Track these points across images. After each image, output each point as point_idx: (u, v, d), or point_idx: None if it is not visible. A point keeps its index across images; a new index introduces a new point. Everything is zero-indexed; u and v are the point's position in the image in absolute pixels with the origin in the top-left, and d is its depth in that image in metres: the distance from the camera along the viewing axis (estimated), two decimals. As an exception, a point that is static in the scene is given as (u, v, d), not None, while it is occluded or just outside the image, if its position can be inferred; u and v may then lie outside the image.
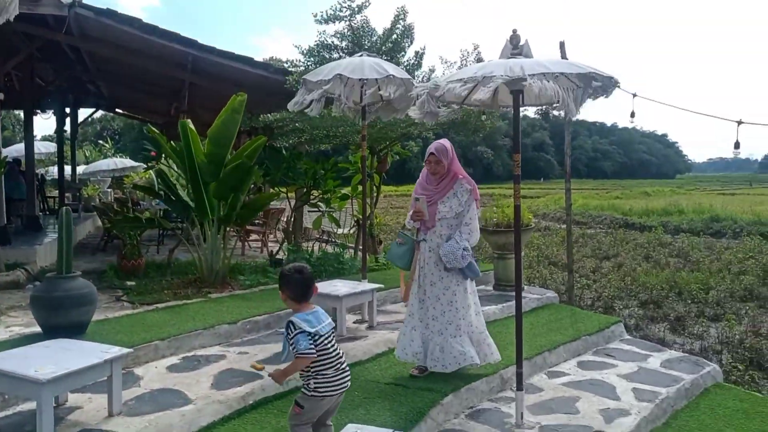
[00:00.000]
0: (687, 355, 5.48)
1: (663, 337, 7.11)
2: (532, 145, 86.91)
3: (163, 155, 7.20)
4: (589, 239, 16.63)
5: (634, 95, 5.30)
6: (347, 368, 2.84)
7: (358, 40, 8.43)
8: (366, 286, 5.31)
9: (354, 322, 5.43)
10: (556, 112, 4.31)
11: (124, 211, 7.49)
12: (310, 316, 2.75)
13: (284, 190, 8.42)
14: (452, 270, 4.11)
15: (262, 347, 4.68)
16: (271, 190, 8.49)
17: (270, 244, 9.65)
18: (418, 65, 8.53)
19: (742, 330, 7.11)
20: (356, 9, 8.50)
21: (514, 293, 6.38)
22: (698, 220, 19.97)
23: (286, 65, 9.07)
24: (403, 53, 8.50)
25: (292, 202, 8.79)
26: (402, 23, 8.47)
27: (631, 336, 6.22)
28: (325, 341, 2.72)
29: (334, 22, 8.64)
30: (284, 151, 8.29)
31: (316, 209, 9.06)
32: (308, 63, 8.57)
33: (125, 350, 3.44)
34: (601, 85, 3.48)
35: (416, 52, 8.69)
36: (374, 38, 8.54)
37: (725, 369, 5.70)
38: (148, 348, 4.34)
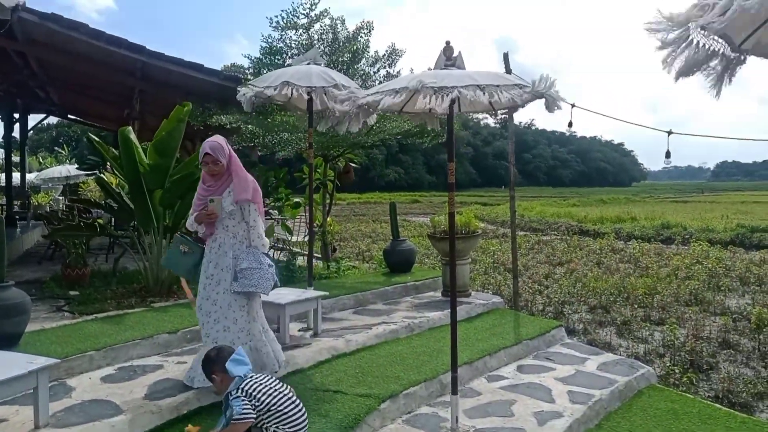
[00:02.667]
0: (623, 358, 5.64)
1: (609, 341, 7.30)
2: (493, 154, 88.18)
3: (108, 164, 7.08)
4: (545, 245, 16.95)
5: (573, 105, 5.45)
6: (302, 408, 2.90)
7: (310, 48, 8.47)
8: (311, 293, 5.32)
9: (299, 330, 5.43)
10: (477, 116, 4.30)
11: (68, 218, 7.31)
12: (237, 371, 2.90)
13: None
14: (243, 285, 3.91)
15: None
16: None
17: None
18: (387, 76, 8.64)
19: (685, 333, 7.35)
20: (314, 18, 8.58)
21: (461, 299, 6.54)
22: (650, 227, 20.55)
23: (247, 71, 9.07)
24: (366, 64, 8.62)
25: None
26: (365, 37, 8.60)
27: (575, 340, 6.37)
28: (269, 390, 2.81)
29: (292, 30, 8.69)
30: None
31: (268, 217, 9.01)
32: (261, 69, 8.59)
33: (52, 360, 3.37)
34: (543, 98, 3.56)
35: (389, 73, 8.83)
36: (330, 48, 8.62)
37: (664, 372, 5.88)
38: (82, 358, 4.25)
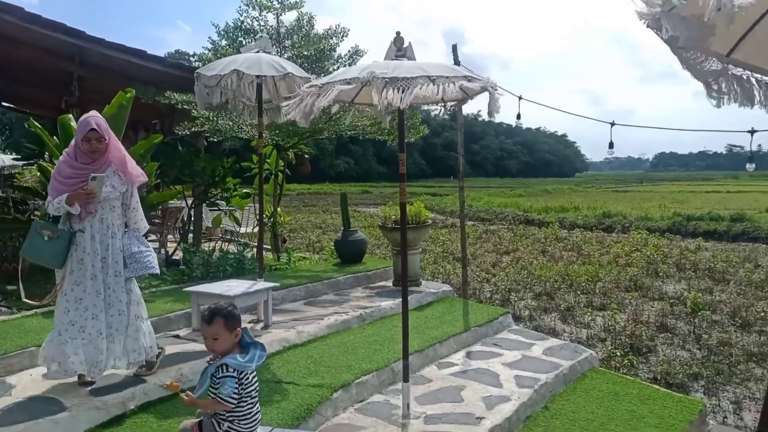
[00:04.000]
0: (568, 342, 5.83)
1: (554, 326, 7.53)
2: (442, 144, 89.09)
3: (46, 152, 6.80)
4: (492, 235, 17.29)
5: (520, 98, 5.58)
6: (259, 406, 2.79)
7: (280, 37, 8.39)
8: (261, 285, 5.27)
9: (249, 322, 5.38)
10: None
11: (3, 211, 6.98)
12: (248, 359, 2.69)
13: (180, 188, 8.18)
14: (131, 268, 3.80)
15: (150, 350, 4.54)
16: (171, 188, 8.21)
17: (169, 244, 9.34)
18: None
19: (625, 318, 7.66)
20: (288, 6, 8.49)
21: (413, 288, 6.62)
22: (592, 216, 21.24)
23: (192, 59, 8.90)
24: (335, 66, 8.59)
25: (190, 201, 8.57)
26: (336, 41, 8.58)
27: (520, 326, 6.54)
28: (250, 387, 2.69)
29: (262, 11, 8.57)
30: (180, 148, 8.07)
31: (216, 208, 8.86)
32: (219, 46, 8.45)
33: (-11, 358, 3.24)
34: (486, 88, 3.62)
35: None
36: (298, 40, 8.56)
37: (606, 355, 6.12)
38: (22, 355, 4.09)
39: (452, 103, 4.20)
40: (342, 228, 8.42)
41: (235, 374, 2.60)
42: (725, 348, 6.54)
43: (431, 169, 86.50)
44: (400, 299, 6.19)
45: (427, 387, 4.40)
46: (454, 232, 18.09)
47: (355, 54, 9.04)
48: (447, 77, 3.47)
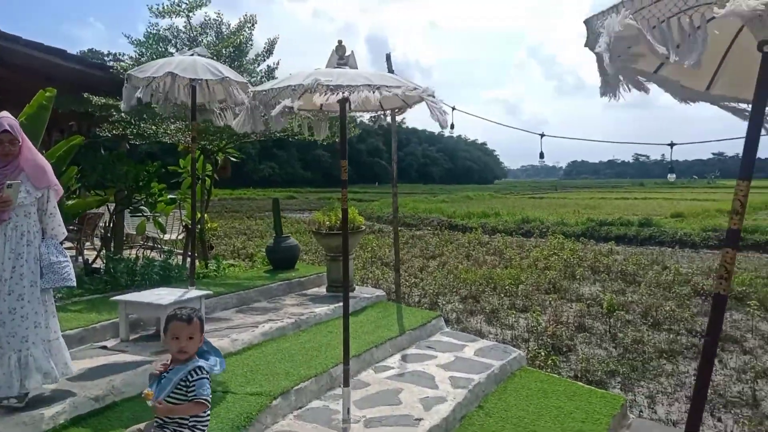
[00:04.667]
0: (497, 343, 6.05)
1: (480, 328, 7.78)
2: (368, 151, 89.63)
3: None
4: (418, 240, 17.60)
5: (453, 108, 5.76)
6: None
7: (194, 38, 8.17)
8: (194, 293, 5.14)
9: (165, 327, 5.22)
10: (367, 116, 4.48)
11: None
12: (212, 364, 2.66)
13: (102, 193, 7.83)
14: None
15: (76, 363, 4.30)
16: (90, 194, 7.84)
17: (86, 252, 8.89)
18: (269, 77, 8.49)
19: (546, 319, 8.02)
20: (193, 5, 8.26)
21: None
22: (512, 222, 22.02)
23: (107, 58, 8.54)
24: (250, 61, 8.43)
25: (112, 206, 8.21)
26: (248, 31, 8.39)
27: (450, 329, 6.72)
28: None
29: (171, 17, 8.31)
30: (102, 151, 7.73)
31: (139, 214, 8.54)
32: (140, 55, 8.13)
33: None
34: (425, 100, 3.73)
35: (269, 66, 8.67)
36: (212, 38, 8.36)
37: (531, 355, 6.39)
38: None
39: (390, 111, 4.29)
40: (274, 234, 8.33)
41: (208, 376, 2.58)
42: (639, 346, 6.98)
43: (356, 174, 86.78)
44: (335, 305, 6.27)
45: (365, 391, 4.45)
46: (382, 237, 18.29)
47: (272, 45, 8.91)
48: (389, 86, 3.56)
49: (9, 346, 3.44)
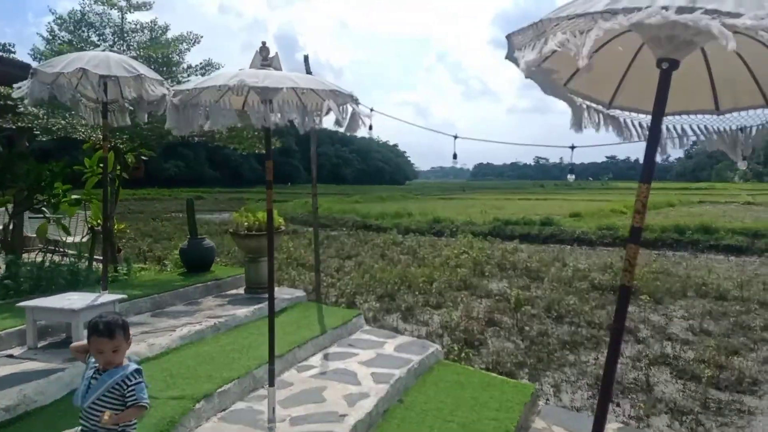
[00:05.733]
0: (416, 339, 6.25)
1: (396, 325, 7.98)
2: (279, 150, 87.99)
3: None
4: (333, 240, 17.67)
5: (371, 110, 5.88)
6: None
7: (123, 34, 7.88)
8: (107, 297, 4.96)
9: (87, 339, 5.02)
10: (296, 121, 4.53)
11: None
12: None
13: (8, 196, 7.34)
14: None
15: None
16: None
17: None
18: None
19: (459, 315, 8.34)
20: (135, 5, 8.00)
21: (265, 296, 6.61)
22: (424, 222, 22.55)
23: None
24: (185, 75, 8.25)
25: (10, 207, 7.68)
26: (186, 47, 8.28)
27: (370, 326, 6.85)
28: None
29: (107, 5, 7.97)
30: (2, 149, 7.24)
31: (40, 215, 8.04)
32: (58, 37, 7.76)
33: None
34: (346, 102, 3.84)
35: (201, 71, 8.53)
36: (145, 41, 8.12)
37: (446, 350, 6.65)
38: None
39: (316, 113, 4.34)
40: (186, 236, 8.12)
41: (143, 380, 2.54)
42: (544, 338, 7.43)
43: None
44: (254, 307, 6.24)
45: (289, 390, 4.48)
46: (297, 238, 18.18)
47: (208, 66, 8.82)
48: (314, 90, 3.64)
49: None
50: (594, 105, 2.72)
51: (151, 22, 8.35)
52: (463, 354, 6.53)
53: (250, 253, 6.95)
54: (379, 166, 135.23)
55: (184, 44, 8.28)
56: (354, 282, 10.63)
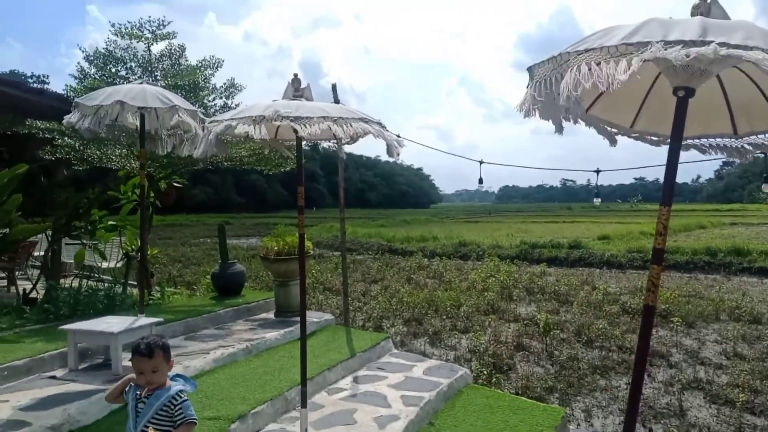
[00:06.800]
0: (444, 362, 6.28)
1: (424, 350, 7.99)
2: (304, 175, 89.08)
3: None
4: (359, 264, 17.76)
5: (398, 136, 6.00)
6: None
7: (151, 66, 8.21)
8: (144, 320, 5.12)
9: (130, 360, 5.18)
10: (326, 145, 4.72)
11: None
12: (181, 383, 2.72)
13: (40, 221, 7.63)
14: None
15: (26, 393, 4.24)
16: (32, 221, 7.62)
17: (19, 282, 8.56)
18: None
19: (487, 339, 8.33)
20: (160, 36, 8.35)
21: (294, 319, 6.73)
22: (449, 245, 22.51)
23: (31, 80, 8.50)
24: (210, 98, 8.58)
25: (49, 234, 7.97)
26: (210, 72, 8.58)
27: (398, 350, 6.90)
28: None
29: (132, 40, 8.34)
30: (42, 178, 7.56)
31: (77, 242, 8.33)
32: (83, 76, 8.11)
33: None
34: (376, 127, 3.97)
35: (226, 104, 8.83)
36: (170, 70, 8.46)
37: (475, 374, 6.64)
38: None
39: (345, 141, 4.49)
40: (212, 261, 8.31)
41: (188, 398, 2.65)
42: (574, 363, 7.37)
43: (293, 199, 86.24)
44: (284, 330, 6.35)
45: (320, 412, 4.55)
46: (323, 262, 18.32)
47: (231, 87, 9.11)
48: (345, 118, 3.78)
49: None
50: (614, 130, 2.80)
51: (168, 46, 8.67)
52: (492, 378, 6.52)
53: (280, 277, 7.08)
54: (403, 190, 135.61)
55: (209, 70, 8.57)
56: (380, 306, 10.68)
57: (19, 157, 9.30)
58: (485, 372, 6.75)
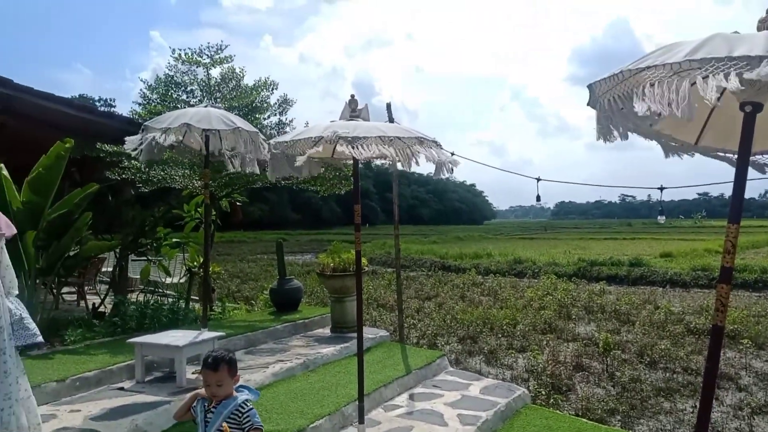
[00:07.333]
0: (501, 382, 6.19)
1: (479, 368, 7.89)
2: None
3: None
4: (412, 281, 17.74)
5: (452, 153, 6.03)
6: None
7: (210, 89, 8.58)
8: (207, 335, 5.29)
9: (193, 373, 5.35)
10: (378, 162, 4.82)
11: None
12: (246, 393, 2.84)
13: (109, 238, 8.02)
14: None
15: (96, 404, 4.44)
16: (101, 238, 8.02)
17: (88, 296, 9.00)
18: (280, 133, 8.96)
19: (545, 359, 8.15)
20: (218, 60, 8.74)
21: (350, 335, 6.80)
22: (504, 262, 22.22)
23: (98, 103, 9.00)
24: (265, 116, 8.89)
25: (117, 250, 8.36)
26: (266, 92, 8.92)
27: (453, 368, 6.85)
28: None
29: (191, 65, 8.75)
30: (110, 197, 7.97)
31: (143, 258, 8.69)
32: (147, 101, 8.53)
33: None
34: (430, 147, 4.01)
35: (280, 121, 9.14)
36: (229, 93, 8.82)
37: (532, 394, 6.52)
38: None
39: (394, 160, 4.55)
40: (269, 277, 8.50)
41: (253, 408, 2.75)
42: (636, 384, 7.12)
43: (345, 216, 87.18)
44: (340, 346, 6.42)
45: (377, 429, 4.57)
46: (376, 278, 18.41)
47: (284, 103, 9.37)
48: (401, 138, 3.83)
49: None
50: (678, 146, 2.75)
51: (225, 69, 8.99)
52: (551, 399, 6.38)
53: (335, 293, 7.17)
54: (456, 206, 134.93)
55: (265, 91, 8.86)
56: (435, 323, 10.63)
57: (89, 177, 9.82)
58: (543, 392, 6.61)
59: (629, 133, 2.59)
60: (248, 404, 2.78)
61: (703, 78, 1.74)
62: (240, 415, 2.73)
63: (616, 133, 2.53)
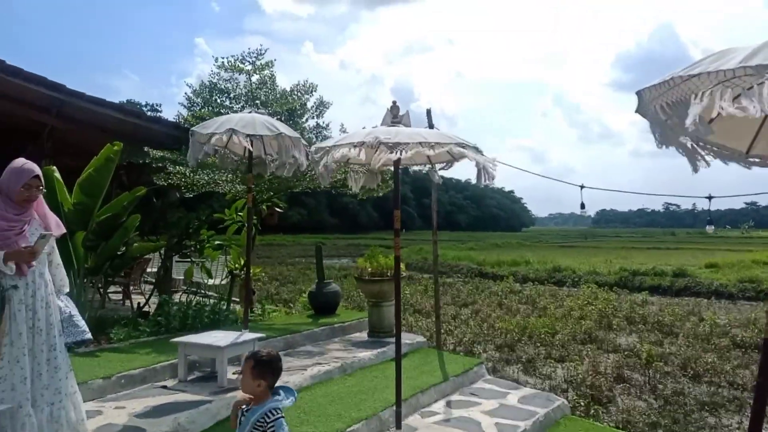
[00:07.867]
0: (540, 391, 6.11)
1: (517, 377, 7.80)
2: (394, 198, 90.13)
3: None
4: (449, 288, 17.65)
5: (494, 160, 6.01)
6: None
7: (252, 95, 8.77)
8: (248, 336, 5.38)
9: (234, 373, 5.45)
10: (416, 168, 4.84)
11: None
12: (282, 398, 2.83)
13: (155, 239, 8.24)
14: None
15: (140, 401, 4.56)
16: (147, 239, 8.27)
17: (133, 296, 9.25)
18: (319, 136, 9.09)
19: (584, 370, 8.01)
20: (260, 67, 8.93)
21: (388, 340, 6.81)
22: (543, 270, 21.91)
23: (146, 108, 9.32)
24: (303, 119, 9.04)
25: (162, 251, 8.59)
26: (306, 96, 9.08)
27: (490, 376, 6.79)
28: None
29: (233, 72, 8.97)
30: (155, 200, 8.19)
31: (187, 259, 8.90)
32: (192, 104, 8.77)
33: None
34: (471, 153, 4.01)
35: (318, 124, 9.28)
36: (270, 98, 8.99)
37: (572, 405, 6.41)
38: (14, 408, 4.06)
39: (441, 165, 4.56)
40: (307, 280, 8.60)
41: (283, 415, 2.76)
42: (679, 398, 6.93)
43: (383, 221, 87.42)
44: (378, 350, 6.44)
45: (414, 435, 4.57)
46: (412, 284, 18.39)
47: (321, 105, 9.48)
48: (441, 143, 3.84)
49: (42, 398, 3.31)
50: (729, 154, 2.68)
51: (266, 75, 9.14)
52: (590, 410, 6.26)
53: (373, 298, 7.20)
54: (494, 213, 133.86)
55: (305, 95, 8.98)
56: (472, 330, 10.55)
57: (136, 180, 10.12)
58: (582, 403, 6.49)
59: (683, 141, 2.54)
60: (277, 412, 2.74)
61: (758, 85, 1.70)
62: (265, 423, 2.71)
63: (676, 139, 2.48)
